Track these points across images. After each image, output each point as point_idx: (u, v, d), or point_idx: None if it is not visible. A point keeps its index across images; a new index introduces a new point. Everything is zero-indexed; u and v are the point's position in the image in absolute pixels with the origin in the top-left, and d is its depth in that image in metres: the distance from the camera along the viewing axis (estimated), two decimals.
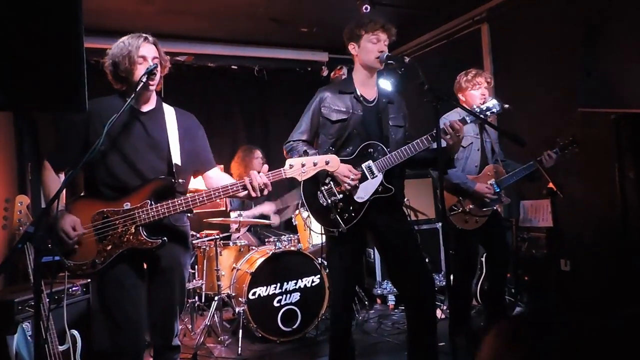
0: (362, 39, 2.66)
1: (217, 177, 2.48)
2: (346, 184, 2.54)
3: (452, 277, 3.70)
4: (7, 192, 3.88)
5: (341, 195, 2.59)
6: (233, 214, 4.81)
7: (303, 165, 2.17)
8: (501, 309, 3.69)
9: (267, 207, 4.89)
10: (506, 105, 3.29)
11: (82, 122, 2.22)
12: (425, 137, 2.57)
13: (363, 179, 2.59)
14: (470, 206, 3.33)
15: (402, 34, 2.96)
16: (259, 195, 2.20)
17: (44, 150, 4.56)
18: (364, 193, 2.60)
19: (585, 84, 3.68)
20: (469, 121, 2.71)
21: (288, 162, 2.19)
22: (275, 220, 5.02)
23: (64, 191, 2.25)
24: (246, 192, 2.19)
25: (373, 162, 2.62)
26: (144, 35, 2.27)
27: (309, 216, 4.05)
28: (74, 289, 3.21)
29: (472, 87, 3.42)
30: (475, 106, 2.89)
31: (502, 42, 4.71)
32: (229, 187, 2.20)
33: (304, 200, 2.70)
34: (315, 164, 2.18)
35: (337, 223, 2.57)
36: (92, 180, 2.26)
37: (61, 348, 2.61)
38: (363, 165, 2.60)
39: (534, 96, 4.29)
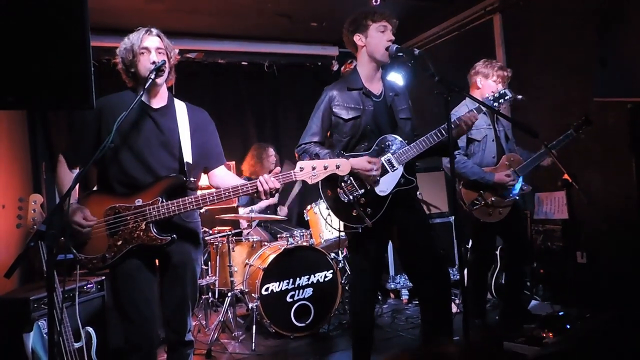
0: (370, 29, 2.62)
1: (222, 175, 2.48)
2: (372, 176, 2.48)
3: (467, 270, 3.69)
4: (21, 191, 3.93)
5: (362, 190, 2.55)
6: (242, 210, 4.82)
7: (314, 169, 2.17)
8: (518, 302, 3.65)
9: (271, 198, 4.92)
10: (519, 96, 3.25)
11: (94, 118, 2.24)
12: (439, 129, 2.53)
13: (383, 172, 2.56)
14: (492, 198, 3.30)
15: (413, 26, 2.93)
16: (269, 197, 2.24)
17: (57, 150, 4.61)
18: (386, 186, 2.57)
19: (601, 73, 3.60)
20: (483, 109, 2.67)
21: (299, 164, 2.18)
22: (283, 212, 5.02)
23: (77, 187, 2.28)
24: (256, 191, 2.20)
25: (392, 155, 2.59)
26: (147, 28, 2.27)
27: (329, 214, 4.03)
28: (88, 286, 3.24)
29: (496, 78, 3.39)
30: (486, 95, 2.85)
31: (515, 32, 4.64)
32: (240, 188, 2.21)
33: (323, 199, 2.67)
34: (325, 168, 2.17)
35: (362, 219, 2.53)
36: (105, 176, 2.27)
37: (76, 345, 2.63)
38: (382, 159, 2.56)
39: (548, 86, 4.22)
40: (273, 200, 4.95)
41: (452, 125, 2.46)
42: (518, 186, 3.37)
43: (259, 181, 2.18)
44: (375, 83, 2.72)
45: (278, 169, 2.27)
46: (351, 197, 2.55)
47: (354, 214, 2.55)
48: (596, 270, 3.86)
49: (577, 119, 3.37)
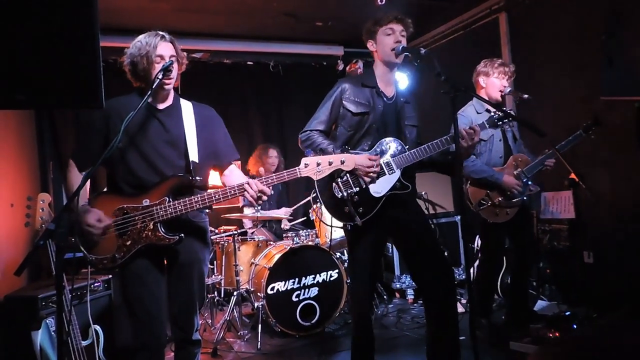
0: (378, 34, 2.63)
1: (231, 174, 2.49)
2: (370, 174, 2.48)
3: (474, 270, 3.68)
4: (29, 190, 3.96)
5: (357, 189, 2.55)
6: (247, 210, 4.81)
7: (318, 165, 2.17)
8: (524, 302, 3.64)
9: (283, 212, 4.83)
10: (525, 96, 3.25)
11: (102, 120, 2.25)
12: (444, 138, 2.53)
13: (380, 174, 2.56)
14: (499, 199, 3.28)
15: (418, 26, 2.91)
16: (257, 203, 2.22)
17: (64, 149, 4.63)
18: (380, 188, 2.57)
19: (608, 72, 3.59)
20: (487, 126, 2.62)
21: (303, 161, 2.18)
22: (285, 224, 4.95)
23: (87, 188, 2.29)
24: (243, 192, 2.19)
25: (392, 158, 2.59)
26: (161, 33, 2.27)
27: (321, 208, 4.02)
28: (95, 284, 3.25)
29: (498, 74, 3.38)
30: (492, 113, 2.82)
31: (521, 30, 4.63)
32: (228, 191, 2.20)
33: (317, 192, 2.66)
34: (330, 163, 2.17)
35: (353, 216, 2.53)
36: (113, 177, 2.29)
37: (84, 343, 2.65)
38: (381, 161, 2.56)
39: (554, 85, 4.20)
40: (286, 213, 4.80)
41: (451, 140, 2.45)
42: (525, 187, 3.35)
43: (244, 186, 2.17)
44: (388, 86, 2.73)
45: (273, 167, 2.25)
46: (345, 193, 2.53)
47: (345, 210, 2.55)
48: (603, 270, 3.85)
49: (583, 118, 3.35)
